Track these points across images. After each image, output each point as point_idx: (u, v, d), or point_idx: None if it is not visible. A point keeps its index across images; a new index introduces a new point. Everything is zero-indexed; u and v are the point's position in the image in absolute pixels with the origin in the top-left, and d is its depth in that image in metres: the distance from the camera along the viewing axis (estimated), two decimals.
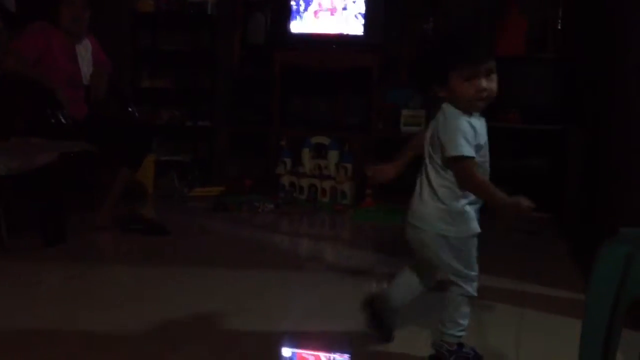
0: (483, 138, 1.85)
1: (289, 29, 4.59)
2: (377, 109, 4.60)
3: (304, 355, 2.02)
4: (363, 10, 4.48)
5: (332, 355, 1.98)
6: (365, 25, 4.48)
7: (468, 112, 1.82)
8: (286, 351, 2.05)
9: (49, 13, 3.40)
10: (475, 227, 1.86)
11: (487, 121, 4.36)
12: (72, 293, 2.50)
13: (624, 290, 1.10)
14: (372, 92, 4.59)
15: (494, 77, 1.82)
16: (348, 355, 1.98)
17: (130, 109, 3.72)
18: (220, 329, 2.15)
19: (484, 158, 1.86)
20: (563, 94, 4.24)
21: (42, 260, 2.88)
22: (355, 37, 4.52)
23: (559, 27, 4.37)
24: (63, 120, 3.24)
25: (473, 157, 1.79)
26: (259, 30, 4.81)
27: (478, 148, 1.81)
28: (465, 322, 1.85)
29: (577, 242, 3.45)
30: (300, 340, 2.11)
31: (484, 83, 1.79)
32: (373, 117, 4.59)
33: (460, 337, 1.85)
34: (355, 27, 4.51)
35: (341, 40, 4.55)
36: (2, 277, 2.65)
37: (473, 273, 1.87)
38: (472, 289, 1.86)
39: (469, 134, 1.78)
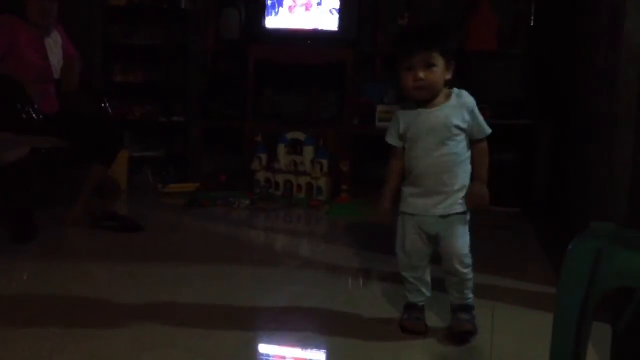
0: (416, 130, 1.99)
1: (264, 24, 4.57)
2: (352, 104, 4.61)
3: (278, 352, 2.02)
4: (337, 5, 4.48)
5: (308, 352, 1.97)
6: (340, 21, 4.48)
7: (415, 102, 2.00)
8: (261, 348, 2.04)
9: (15, 6, 3.33)
10: (403, 206, 2.04)
11: None
12: (43, 290, 2.47)
13: (594, 284, 1.11)
14: (346, 87, 4.60)
15: (435, 69, 1.94)
16: (324, 351, 1.98)
17: (102, 104, 3.68)
18: (193, 326, 2.14)
19: (418, 151, 2.00)
20: (533, 89, 4.28)
21: (13, 258, 2.84)
22: (329, 32, 4.52)
23: (531, 24, 4.41)
24: (34, 115, 3.19)
25: (394, 146, 2.05)
26: (233, 25, 4.78)
27: (407, 139, 2.02)
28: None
29: (546, 236, 3.49)
30: (275, 336, 2.11)
31: (420, 73, 1.93)
32: (348, 113, 4.60)
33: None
34: (329, 22, 4.51)
35: (316, 36, 4.55)
36: None
37: (397, 251, 2.08)
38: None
39: (394, 126, 2.03)
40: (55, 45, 3.46)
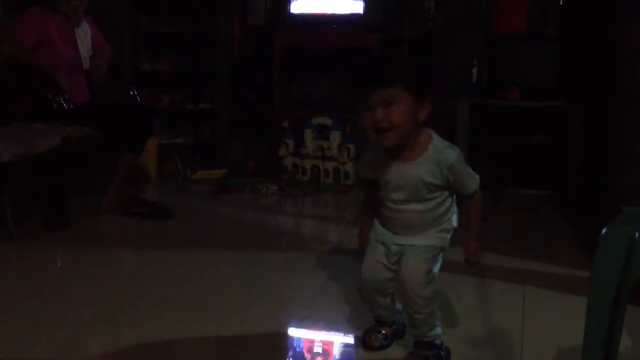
0: (384, 182, 1.72)
1: (289, 10, 4.56)
2: None
3: (309, 336, 2.04)
4: None
5: (338, 337, 1.99)
6: (366, 4, 4.45)
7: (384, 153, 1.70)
8: (292, 332, 2.06)
9: None
10: (370, 237, 1.81)
11: (487, 98, 4.32)
12: (78, 277, 2.52)
13: (628, 269, 1.11)
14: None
15: (397, 108, 1.59)
16: (353, 336, 1.99)
17: (132, 93, 3.72)
18: (224, 312, 2.17)
19: (386, 202, 1.74)
20: (564, 71, 4.22)
21: (48, 246, 2.90)
22: (355, 17, 4.49)
23: (560, 4, 4.34)
24: (65, 105, 3.23)
25: (363, 179, 1.82)
26: (259, 11, 4.78)
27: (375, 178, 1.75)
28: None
29: (577, 219, 3.46)
30: (306, 321, 2.13)
31: (378, 114, 1.59)
32: None
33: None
34: (355, 6, 4.48)
35: (342, 20, 4.52)
36: (9, 263, 2.67)
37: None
38: None
39: (364, 165, 1.79)
40: (85, 36, 3.51)
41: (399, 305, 1.86)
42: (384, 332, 1.87)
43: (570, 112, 4.10)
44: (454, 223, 1.78)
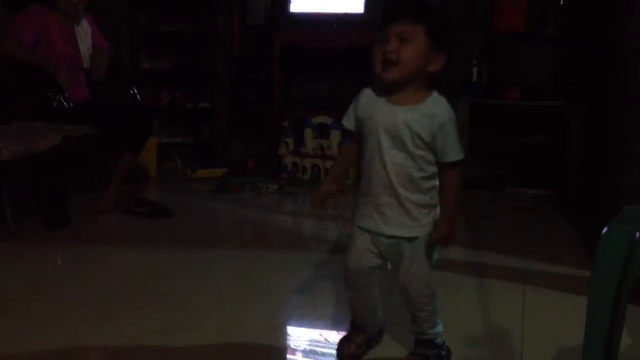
0: (372, 123, 1.64)
1: (289, 9, 4.56)
2: None
3: (307, 337, 2.03)
4: None
5: (337, 335, 1.99)
6: (366, 4, 4.45)
7: (383, 88, 1.66)
8: (291, 330, 2.06)
9: None
10: (356, 217, 1.75)
11: (487, 97, 4.30)
12: (78, 275, 2.52)
13: (629, 268, 1.11)
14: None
15: (412, 46, 1.56)
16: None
17: (131, 92, 3.71)
18: (224, 310, 2.17)
19: (369, 152, 1.66)
20: (564, 70, 4.22)
21: (47, 244, 2.90)
22: (355, 16, 4.49)
23: (561, 3, 4.34)
24: (64, 104, 3.23)
25: (348, 129, 1.74)
26: (259, 10, 4.78)
27: (362, 132, 1.68)
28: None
29: (577, 218, 3.46)
30: (305, 319, 2.13)
31: (390, 45, 1.57)
32: None
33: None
34: (355, 5, 4.48)
35: (342, 19, 4.52)
36: (10, 262, 2.67)
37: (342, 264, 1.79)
38: None
39: (353, 108, 1.72)
40: (85, 35, 3.50)
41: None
42: (358, 340, 1.83)
43: (570, 111, 4.10)
44: (435, 199, 1.68)
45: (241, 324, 2.05)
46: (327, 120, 4.29)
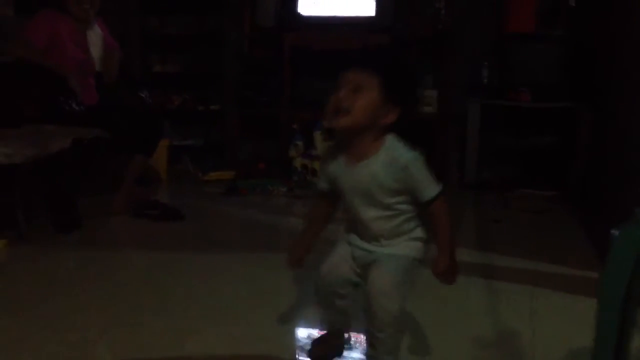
0: (341, 184, 1.65)
1: (299, 11, 4.56)
2: None
3: (318, 339, 2.03)
4: None
5: (347, 336, 1.99)
6: (377, 6, 4.45)
7: (340, 150, 1.64)
8: (300, 334, 2.06)
9: (58, 0, 3.39)
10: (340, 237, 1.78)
11: (497, 99, 4.29)
12: (88, 278, 2.53)
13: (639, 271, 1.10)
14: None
15: (365, 96, 1.55)
16: (363, 336, 1.98)
17: (142, 95, 3.73)
18: (235, 312, 2.17)
19: (348, 206, 1.67)
20: (573, 71, 4.21)
21: (58, 247, 2.91)
22: (366, 18, 4.49)
23: (572, 4, 4.32)
24: (75, 107, 3.25)
25: (322, 191, 1.73)
26: (269, 12, 4.78)
27: (334, 181, 1.68)
28: None
29: (585, 220, 3.44)
30: (315, 321, 2.13)
31: (343, 92, 1.56)
32: None
33: None
34: (366, 8, 4.48)
35: (352, 22, 4.52)
36: (20, 264, 2.69)
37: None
38: None
39: (323, 169, 1.72)
40: (96, 38, 3.52)
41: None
42: (332, 342, 1.82)
43: (579, 112, 4.08)
44: (420, 234, 1.67)
45: (251, 327, 2.06)
46: None
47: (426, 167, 1.58)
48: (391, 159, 1.56)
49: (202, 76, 5.01)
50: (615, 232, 1.18)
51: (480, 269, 2.68)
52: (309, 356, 1.81)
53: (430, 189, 1.57)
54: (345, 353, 1.87)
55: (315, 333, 1.84)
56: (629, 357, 1.20)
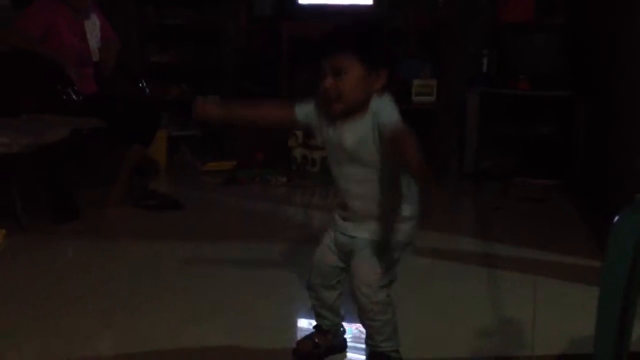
0: (326, 139, 1.65)
1: (297, 1, 4.54)
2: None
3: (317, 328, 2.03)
4: None
5: (343, 330, 1.98)
6: None
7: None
8: (300, 323, 2.06)
9: None
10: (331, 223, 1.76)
11: (498, 87, 4.27)
12: (87, 268, 2.52)
13: None
14: None
15: (347, 77, 1.53)
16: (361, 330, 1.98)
17: (140, 85, 3.72)
18: (235, 301, 2.17)
19: (332, 165, 1.67)
20: (572, 60, 4.20)
21: (57, 237, 2.91)
22: (364, 7, 4.48)
23: None
24: (74, 97, 3.24)
25: (299, 115, 1.72)
26: (266, 2, 4.76)
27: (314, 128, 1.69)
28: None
29: (586, 208, 3.44)
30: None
31: (327, 82, 1.55)
32: None
33: None
34: None
35: (350, 11, 4.50)
36: (19, 254, 2.68)
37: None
38: None
39: (313, 105, 1.68)
40: (94, 28, 3.50)
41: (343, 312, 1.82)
42: (316, 340, 1.79)
43: (578, 101, 4.08)
44: (407, 212, 1.63)
45: (250, 317, 2.05)
46: None
47: (396, 109, 1.57)
48: (374, 112, 1.56)
49: (199, 66, 4.99)
50: (615, 217, 1.17)
51: (481, 257, 2.68)
52: (293, 354, 1.79)
53: (390, 116, 1.54)
54: (348, 343, 1.87)
55: (313, 323, 1.83)
56: (631, 344, 1.20)
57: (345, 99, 1.55)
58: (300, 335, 1.87)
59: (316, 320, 1.82)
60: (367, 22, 1.63)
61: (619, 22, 3.45)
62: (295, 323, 2.07)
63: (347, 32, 1.59)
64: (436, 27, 4.54)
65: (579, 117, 4.08)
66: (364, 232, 1.64)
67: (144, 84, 3.73)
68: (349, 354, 1.84)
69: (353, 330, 1.92)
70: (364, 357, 1.77)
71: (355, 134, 1.57)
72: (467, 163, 4.33)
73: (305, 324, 2.01)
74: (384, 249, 1.61)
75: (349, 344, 1.86)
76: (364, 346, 1.72)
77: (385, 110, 1.55)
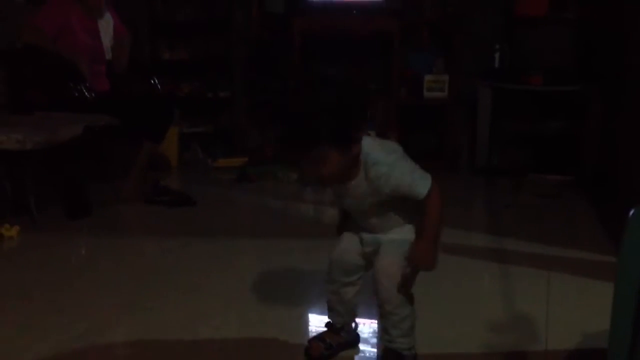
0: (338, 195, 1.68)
1: None
2: (399, 75, 4.56)
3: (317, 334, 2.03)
4: None
5: (360, 322, 1.98)
6: None
7: None
8: (312, 320, 2.06)
9: None
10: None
11: (509, 83, 4.28)
12: (99, 264, 2.54)
13: None
14: (393, 58, 4.55)
15: (323, 164, 1.50)
16: (375, 323, 1.98)
17: (152, 82, 3.73)
18: (246, 298, 2.17)
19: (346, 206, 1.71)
20: (585, 54, 4.17)
21: (70, 233, 2.93)
22: (375, 2, 4.46)
23: None
24: (86, 94, 3.25)
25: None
26: None
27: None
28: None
29: (598, 204, 3.42)
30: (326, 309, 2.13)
31: (307, 172, 1.54)
32: (395, 83, 4.55)
33: None
34: None
35: (362, 6, 4.49)
36: (32, 250, 2.70)
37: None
38: None
39: None
40: (107, 27, 3.52)
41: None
42: (328, 341, 1.79)
43: (591, 96, 4.05)
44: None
45: (262, 312, 2.06)
46: None
47: (407, 165, 1.57)
48: (374, 176, 1.55)
49: (211, 63, 4.99)
50: (630, 212, 1.16)
51: (494, 253, 2.67)
52: (305, 353, 1.79)
53: (419, 187, 1.55)
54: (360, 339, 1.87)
55: (325, 320, 1.83)
56: None
57: (328, 180, 1.56)
58: (313, 331, 1.87)
59: (329, 317, 1.82)
60: (331, 98, 1.51)
61: (633, 16, 3.42)
62: (308, 319, 2.07)
63: (310, 128, 1.49)
64: (448, 21, 4.52)
65: (592, 112, 4.05)
66: (388, 235, 1.65)
67: (156, 81, 3.74)
68: (362, 347, 1.83)
69: (366, 327, 1.92)
70: (377, 352, 1.76)
71: (361, 191, 1.58)
72: (479, 158, 4.31)
73: (318, 320, 2.01)
74: (408, 245, 1.61)
75: (362, 339, 1.86)
76: (376, 342, 1.72)
77: (398, 175, 1.54)
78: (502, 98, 4.28)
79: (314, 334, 1.84)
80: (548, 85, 4.15)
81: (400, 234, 1.64)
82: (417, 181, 1.55)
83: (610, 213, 3.07)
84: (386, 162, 1.55)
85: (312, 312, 2.10)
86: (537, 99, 4.30)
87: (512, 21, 4.34)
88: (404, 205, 1.61)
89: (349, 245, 1.72)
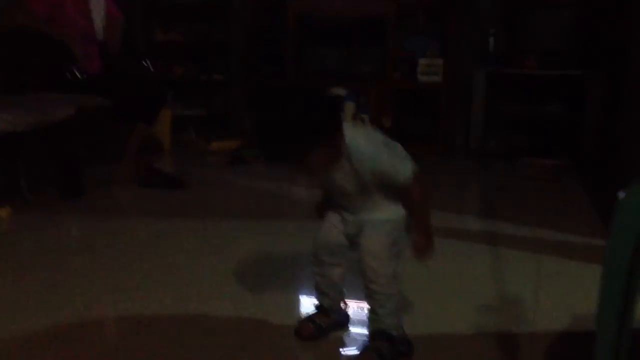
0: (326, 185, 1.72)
1: None
2: (393, 58, 4.54)
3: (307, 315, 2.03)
4: None
5: (353, 303, 1.99)
6: None
7: None
8: (307, 302, 2.06)
9: None
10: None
11: (504, 67, 4.29)
12: (93, 245, 2.53)
13: None
14: (388, 41, 4.53)
15: (314, 160, 1.54)
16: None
17: (144, 64, 3.71)
18: (239, 279, 2.17)
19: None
20: (582, 38, 4.15)
21: (63, 215, 2.92)
22: None
23: None
24: (78, 75, 3.23)
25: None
26: None
27: None
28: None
29: (594, 188, 3.43)
30: None
31: (303, 177, 1.62)
32: (390, 67, 4.54)
33: None
34: None
35: None
36: (25, 231, 2.70)
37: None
38: None
39: None
40: (98, 6, 3.49)
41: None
42: (318, 322, 1.79)
43: (588, 80, 4.04)
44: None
45: (256, 294, 2.06)
46: (342, 92, 4.26)
47: (388, 151, 1.57)
48: (355, 161, 1.56)
49: (205, 45, 4.97)
50: (621, 194, 1.16)
51: (486, 236, 2.67)
52: (295, 334, 1.79)
53: (400, 173, 1.56)
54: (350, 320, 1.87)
55: (315, 301, 1.83)
56: (634, 323, 1.19)
57: (321, 172, 1.60)
58: (303, 313, 1.87)
59: (317, 299, 1.82)
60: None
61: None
62: (302, 300, 2.07)
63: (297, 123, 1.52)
64: (444, 4, 4.50)
65: (589, 96, 4.05)
66: (371, 214, 1.65)
67: (148, 63, 3.72)
68: (352, 329, 1.84)
69: (355, 307, 1.93)
70: (367, 332, 1.77)
71: (344, 176, 1.59)
72: (474, 142, 4.31)
73: (309, 302, 2.01)
74: (393, 226, 1.63)
75: (351, 320, 1.87)
76: (366, 321, 1.72)
77: (381, 162, 1.55)
78: (497, 82, 4.27)
79: (305, 316, 1.85)
80: (543, 69, 4.14)
81: (384, 213, 1.64)
82: (398, 166, 1.56)
83: (605, 197, 3.08)
84: (367, 148, 1.56)
85: (302, 294, 2.10)
86: (532, 83, 4.30)
87: (509, 4, 4.33)
88: (388, 189, 1.61)
89: (332, 225, 1.73)
